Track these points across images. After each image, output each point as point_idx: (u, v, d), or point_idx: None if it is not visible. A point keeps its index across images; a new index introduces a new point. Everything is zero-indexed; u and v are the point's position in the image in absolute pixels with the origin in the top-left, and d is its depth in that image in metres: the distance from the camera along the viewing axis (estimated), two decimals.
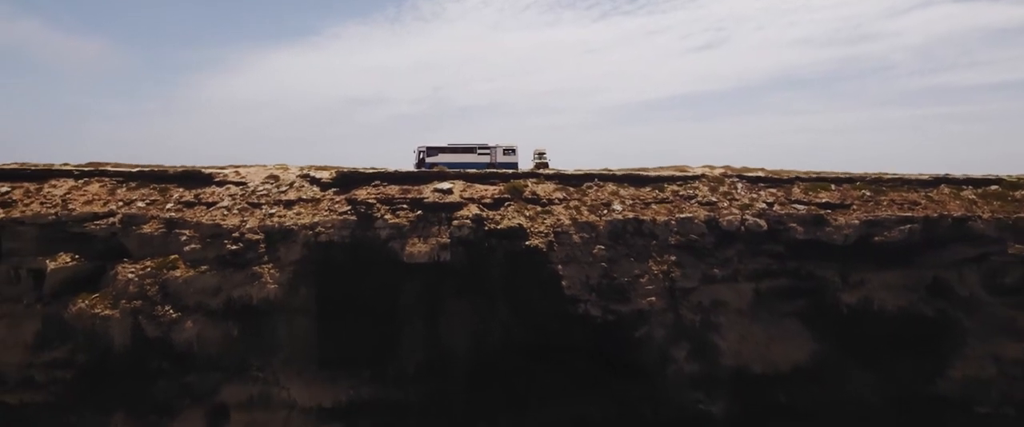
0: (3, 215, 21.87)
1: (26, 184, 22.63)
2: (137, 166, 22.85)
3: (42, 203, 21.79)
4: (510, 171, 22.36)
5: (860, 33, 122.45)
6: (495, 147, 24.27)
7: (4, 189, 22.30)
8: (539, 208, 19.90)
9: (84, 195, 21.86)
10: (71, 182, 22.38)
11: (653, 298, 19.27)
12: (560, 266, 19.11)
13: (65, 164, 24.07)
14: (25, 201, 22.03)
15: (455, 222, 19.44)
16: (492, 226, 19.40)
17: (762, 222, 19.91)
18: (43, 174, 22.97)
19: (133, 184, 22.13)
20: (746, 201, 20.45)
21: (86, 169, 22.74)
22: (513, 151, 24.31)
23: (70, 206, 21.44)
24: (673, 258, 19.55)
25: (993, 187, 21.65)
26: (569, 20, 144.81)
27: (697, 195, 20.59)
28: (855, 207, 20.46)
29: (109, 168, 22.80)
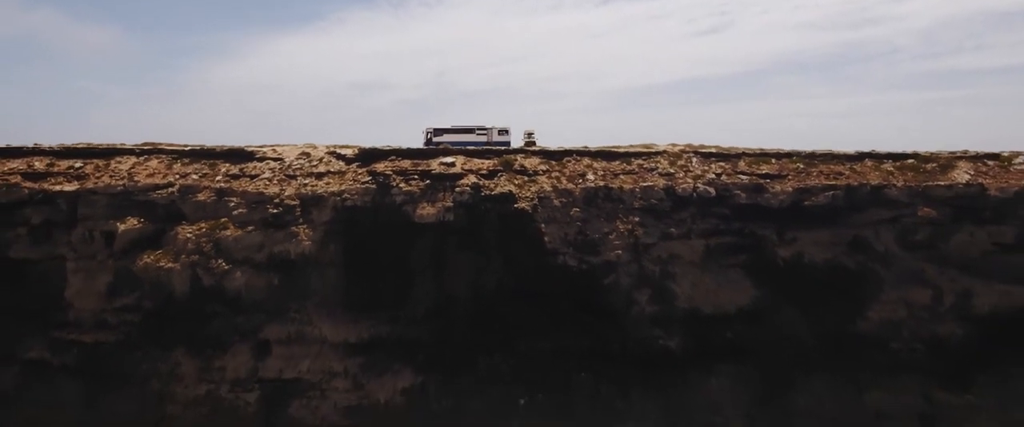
0: (78, 186, 26.04)
1: (95, 160, 26.79)
2: (189, 145, 27.01)
3: (111, 176, 25.92)
4: (503, 148, 26.58)
5: (865, 17, 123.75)
6: (491, 128, 28.45)
7: (77, 164, 26.47)
8: (526, 178, 24.04)
9: (146, 169, 25.99)
10: (133, 159, 26.54)
11: (620, 251, 23.39)
12: (543, 225, 23.24)
13: (123, 143, 28.26)
14: (96, 175, 26.18)
15: (457, 189, 23.58)
16: (487, 192, 23.53)
17: (711, 189, 24.01)
18: (108, 152, 27.13)
19: (186, 160, 26.29)
20: (699, 172, 24.56)
21: (145, 148, 26.94)
22: (506, 131, 28.49)
23: (135, 178, 25.56)
24: (637, 219, 23.64)
25: (909, 160, 25.69)
26: (571, 5, 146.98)
27: (658, 167, 24.70)
28: (790, 177, 24.54)
29: (164, 147, 26.99)
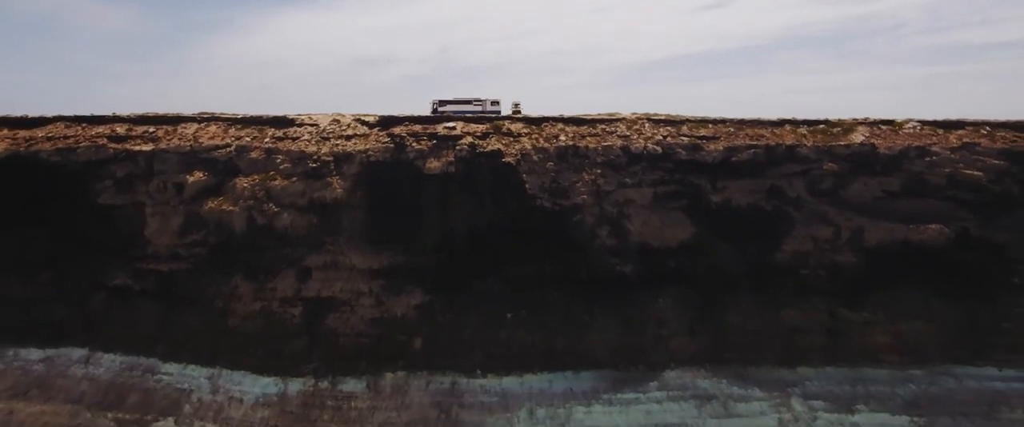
0: (153, 147, 32.21)
1: (165, 126, 33.01)
2: (240, 114, 33.22)
3: (179, 138, 32.07)
4: (494, 115, 32.83)
5: None
6: (485, 99, 34.72)
7: (151, 129, 32.68)
8: (512, 139, 30.22)
9: (207, 133, 32.17)
10: (196, 125, 32.74)
11: (585, 196, 29.63)
12: (524, 175, 29.46)
13: (180, 113, 34.39)
14: (166, 138, 32.37)
15: (457, 147, 29.78)
16: (481, 150, 29.73)
17: (659, 148, 30.18)
18: (175, 119, 33.31)
19: (239, 126, 32.47)
20: (649, 135, 30.72)
21: (205, 116, 33.12)
22: (497, 102, 34.79)
23: (199, 140, 31.74)
24: (599, 171, 29.83)
25: (820, 125, 31.82)
26: None
27: (617, 131, 30.86)
28: (722, 138, 30.68)
29: (220, 115, 33.21)
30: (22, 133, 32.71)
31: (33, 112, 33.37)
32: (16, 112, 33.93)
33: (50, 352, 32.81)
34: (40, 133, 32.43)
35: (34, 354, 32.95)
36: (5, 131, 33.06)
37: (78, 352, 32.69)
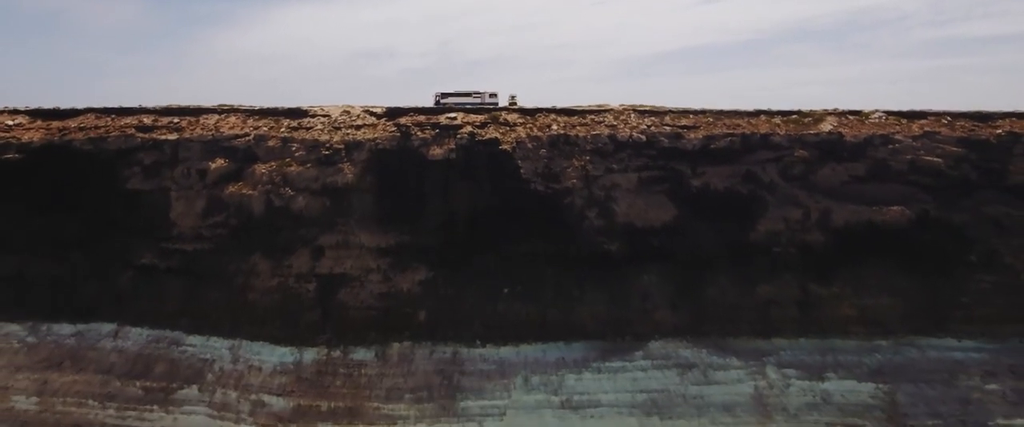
0: (178, 136, 34.89)
1: (188, 117, 35.72)
2: (257, 106, 35.92)
3: (202, 128, 34.76)
4: (492, 107, 35.56)
5: None
6: (484, 92, 37.43)
7: (175, 120, 35.39)
8: (508, 128, 32.92)
9: (227, 123, 34.86)
10: (217, 116, 35.43)
11: (575, 180, 32.33)
12: (519, 161, 32.15)
13: (201, 105, 37.07)
14: (190, 128, 35.06)
15: (458, 136, 32.47)
16: (480, 138, 32.43)
17: (643, 137, 32.87)
18: (197, 111, 35.95)
19: (257, 117, 35.16)
20: (635, 124, 33.42)
21: (224, 108, 35.81)
22: (495, 95, 37.54)
23: (220, 130, 34.44)
24: (587, 158, 32.51)
25: (793, 116, 34.52)
26: None
27: (605, 120, 33.57)
28: (701, 128, 33.36)
29: (239, 107, 35.90)
30: (55, 124, 35.45)
31: (37, 106, 36.23)
32: (21, 105, 36.82)
33: (81, 327, 35.54)
34: (72, 124, 35.17)
35: (66, 329, 35.69)
36: (39, 122, 35.80)
37: (107, 327, 35.41)
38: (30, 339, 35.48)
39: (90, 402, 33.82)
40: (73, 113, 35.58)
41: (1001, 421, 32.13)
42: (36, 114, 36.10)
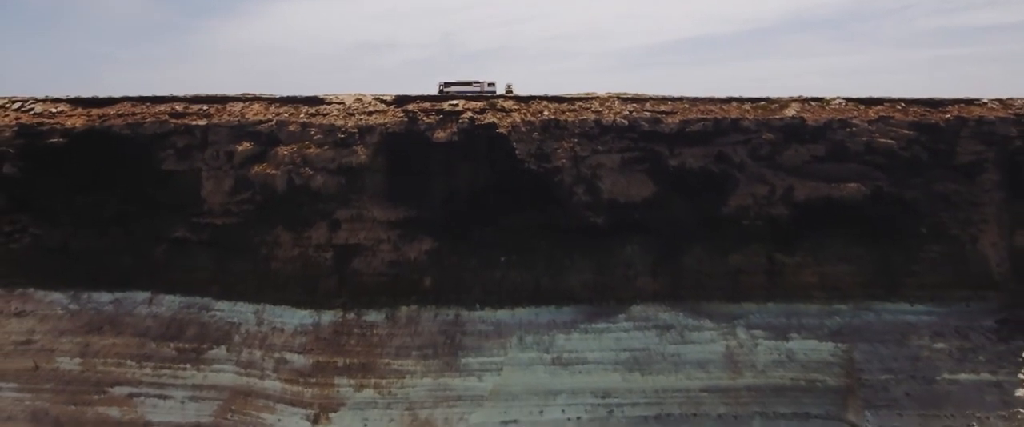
0: (207, 122, 38.41)
1: (215, 105, 39.38)
2: (278, 95, 39.59)
3: (228, 115, 38.23)
4: (490, 95, 39.26)
5: None
6: (483, 82, 41.11)
7: (204, 107, 39.04)
8: (504, 113, 36.49)
9: (252, 110, 38.46)
10: (242, 104, 39.04)
11: (564, 160, 35.89)
12: (515, 143, 35.70)
13: (226, 94, 40.65)
14: (218, 114, 38.62)
15: (460, 121, 36.04)
16: (479, 122, 36.00)
17: (626, 121, 36.50)
18: (223, 99, 39.48)
19: (278, 104, 38.72)
20: (619, 110, 37.05)
21: (249, 96, 39.37)
22: (493, 84, 41.15)
23: (245, 116, 38.06)
24: (576, 140, 36.02)
25: (762, 102, 38.17)
26: None
27: (591, 107, 37.18)
28: (678, 113, 36.96)
29: (261, 95, 39.52)
30: (95, 111, 39.13)
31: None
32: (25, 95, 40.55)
33: (119, 295, 39.08)
34: (111, 111, 38.86)
35: (105, 297, 39.23)
36: (80, 110, 39.53)
37: (142, 295, 39.02)
38: (72, 306, 39.13)
39: (128, 362, 37.54)
40: (111, 101, 39.25)
41: (946, 375, 35.81)
42: (76, 102, 39.78)
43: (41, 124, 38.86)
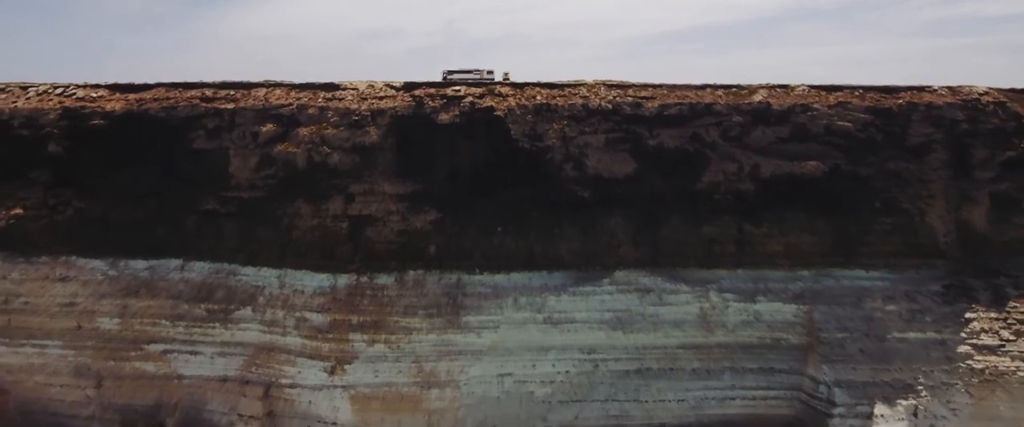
0: (234, 105, 42.57)
1: (241, 90, 43.58)
2: (297, 82, 43.80)
3: (253, 99, 42.36)
4: (489, 81, 43.48)
5: None
6: (482, 70, 45.33)
7: (231, 92, 43.24)
8: (501, 98, 40.57)
9: (274, 94, 42.65)
10: (265, 89, 43.13)
11: (555, 140, 40.04)
12: (510, 125, 39.79)
13: (251, 80, 44.87)
14: (243, 98, 42.70)
15: (461, 104, 40.11)
16: (479, 106, 40.06)
17: (610, 105, 40.75)
18: (248, 85, 43.66)
19: (298, 89, 42.86)
20: (604, 95, 41.15)
21: (271, 82, 43.54)
22: (492, 72, 45.28)
23: (269, 100, 42.27)
24: (565, 122, 40.04)
25: (733, 89, 42.35)
26: None
27: (579, 92, 41.29)
28: (657, 98, 41.03)
29: (282, 82, 43.69)
30: (132, 96, 43.34)
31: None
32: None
33: (153, 262, 43.04)
34: (147, 95, 43.08)
35: (140, 264, 43.24)
36: (118, 95, 43.75)
37: (175, 262, 43.05)
38: (111, 272, 43.23)
39: (162, 322, 41.73)
40: (147, 87, 43.44)
41: (896, 334, 39.79)
42: (114, 88, 43.99)
43: (83, 107, 43.08)
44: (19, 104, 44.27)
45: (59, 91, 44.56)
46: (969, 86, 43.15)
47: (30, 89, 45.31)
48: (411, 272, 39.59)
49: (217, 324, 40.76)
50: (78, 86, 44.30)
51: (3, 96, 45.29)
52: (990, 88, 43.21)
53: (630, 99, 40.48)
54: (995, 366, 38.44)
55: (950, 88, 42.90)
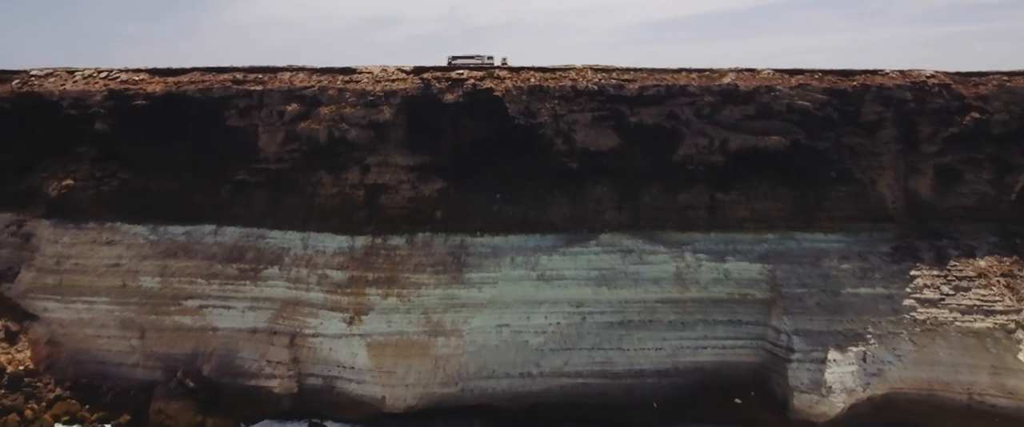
0: (263, 87, 47.89)
1: (268, 74, 48.89)
2: (319, 66, 49.07)
3: (279, 82, 47.70)
4: (489, 65, 48.74)
5: None
6: (482, 55, 50.54)
7: (260, 76, 48.53)
8: (499, 80, 45.90)
9: (298, 78, 47.86)
10: (290, 73, 48.52)
11: (547, 118, 45.18)
12: (508, 104, 44.96)
13: (276, 65, 50.16)
14: (270, 81, 48.04)
15: (464, 86, 45.46)
16: (480, 87, 45.36)
17: (596, 87, 45.95)
18: (274, 69, 49.06)
19: (318, 73, 48.17)
20: (591, 78, 46.41)
21: (295, 67, 48.89)
22: (491, 57, 50.57)
23: (293, 82, 47.67)
24: (556, 102, 45.29)
25: (706, 72, 47.59)
26: None
27: (569, 75, 46.53)
28: (638, 81, 46.29)
29: (305, 67, 49.07)
30: (171, 79, 48.61)
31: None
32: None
33: (189, 227, 48.00)
34: (184, 79, 48.34)
35: (178, 229, 48.26)
36: (158, 78, 49.02)
37: (209, 227, 48.01)
38: (152, 237, 48.34)
39: (198, 280, 46.90)
40: (183, 71, 48.69)
41: (849, 289, 44.48)
42: (154, 72, 49.25)
43: (127, 89, 48.37)
44: (67, 87, 49.53)
45: (103, 75, 49.80)
46: (918, 70, 48.26)
47: (76, 73, 50.54)
48: (420, 234, 44.49)
49: (247, 281, 45.69)
50: (121, 70, 49.55)
51: (52, 79, 50.54)
52: (937, 72, 48.33)
53: (614, 81, 45.69)
54: (936, 317, 43.23)
55: (901, 72, 48.03)
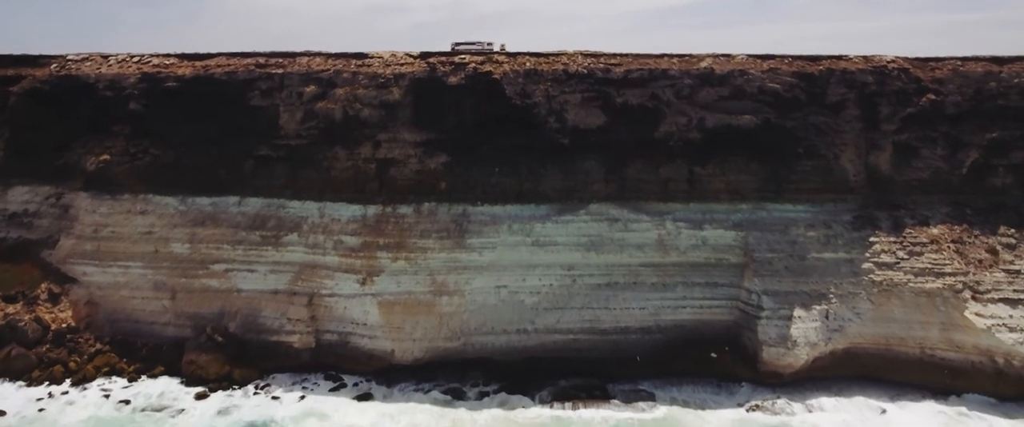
0: (283, 70, 52.58)
1: (288, 58, 53.62)
2: (332, 52, 53.79)
3: (298, 65, 52.31)
4: (489, 51, 53.42)
5: None
6: (483, 42, 55.24)
7: (280, 60, 53.23)
8: (498, 64, 50.57)
9: (315, 62, 52.43)
10: (308, 58, 53.19)
11: (541, 98, 49.69)
12: (505, 86, 49.61)
13: (295, 50, 54.82)
14: (290, 65, 52.72)
15: (466, 69, 50.20)
16: (480, 70, 50.02)
17: (586, 70, 50.59)
18: (293, 54, 53.63)
19: (334, 58, 52.87)
20: (581, 62, 51.03)
21: (312, 52, 53.55)
22: (491, 44, 55.31)
23: (311, 66, 52.32)
24: (549, 84, 49.74)
25: (686, 57, 52.33)
26: None
27: (561, 60, 51.21)
28: (623, 65, 50.93)
29: (321, 52, 53.75)
30: (199, 63, 53.35)
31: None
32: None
33: (215, 199, 52.66)
34: (211, 62, 53.07)
35: (205, 201, 52.94)
36: (187, 62, 53.75)
37: (233, 198, 52.66)
38: (181, 207, 53.09)
39: (224, 246, 51.57)
40: (210, 55, 53.45)
41: (814, 254, 48.68)
42: (183, 56, 53.98)
43: (159, 73, 53.09)
44: (103, 70, 54.24)
45: (136, 59, 54.51)
46: (879, 55, 52.88)
47: (111, 57, 55.25)
48: (426, 203, 49.07)
49: (269, 247, 50.25)
50: (152, 55, 54.28)
51: (88, 64, 55.26)
52: (897, 57, 52.99)
53: (602, 65, 50.41)
54: (891, 279, 47.70)
55: (864, 57, 52.63)
